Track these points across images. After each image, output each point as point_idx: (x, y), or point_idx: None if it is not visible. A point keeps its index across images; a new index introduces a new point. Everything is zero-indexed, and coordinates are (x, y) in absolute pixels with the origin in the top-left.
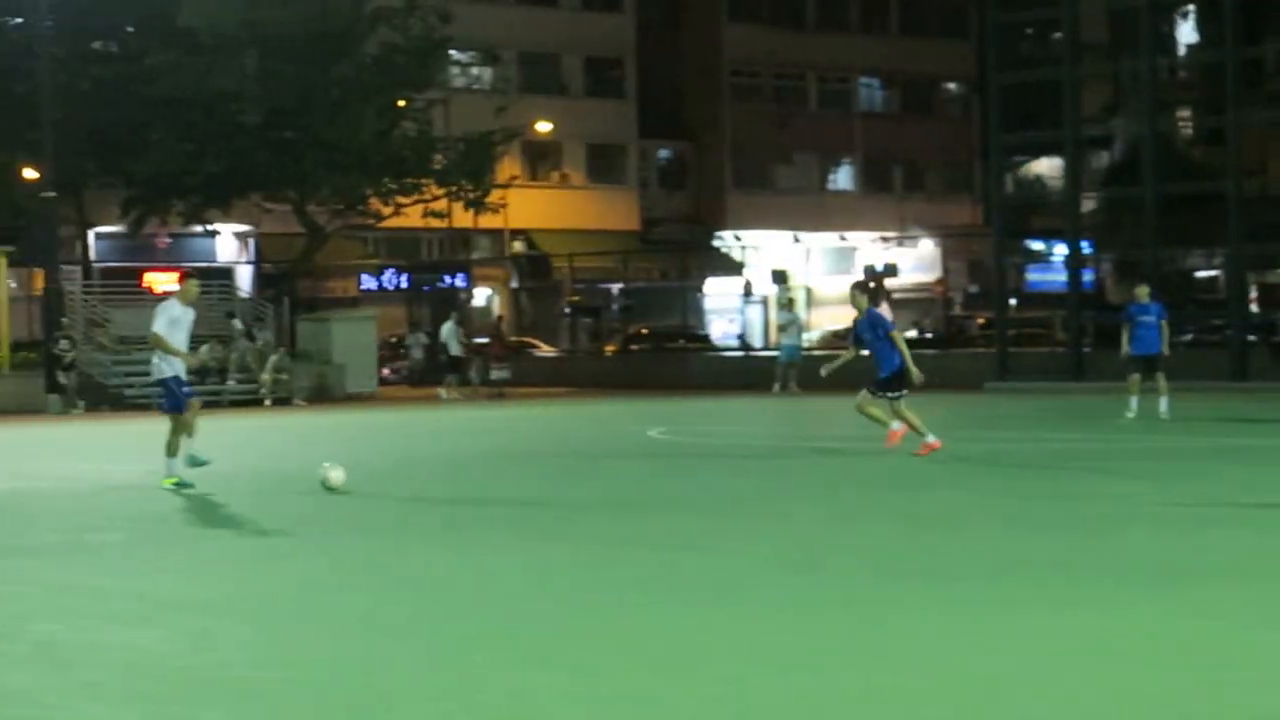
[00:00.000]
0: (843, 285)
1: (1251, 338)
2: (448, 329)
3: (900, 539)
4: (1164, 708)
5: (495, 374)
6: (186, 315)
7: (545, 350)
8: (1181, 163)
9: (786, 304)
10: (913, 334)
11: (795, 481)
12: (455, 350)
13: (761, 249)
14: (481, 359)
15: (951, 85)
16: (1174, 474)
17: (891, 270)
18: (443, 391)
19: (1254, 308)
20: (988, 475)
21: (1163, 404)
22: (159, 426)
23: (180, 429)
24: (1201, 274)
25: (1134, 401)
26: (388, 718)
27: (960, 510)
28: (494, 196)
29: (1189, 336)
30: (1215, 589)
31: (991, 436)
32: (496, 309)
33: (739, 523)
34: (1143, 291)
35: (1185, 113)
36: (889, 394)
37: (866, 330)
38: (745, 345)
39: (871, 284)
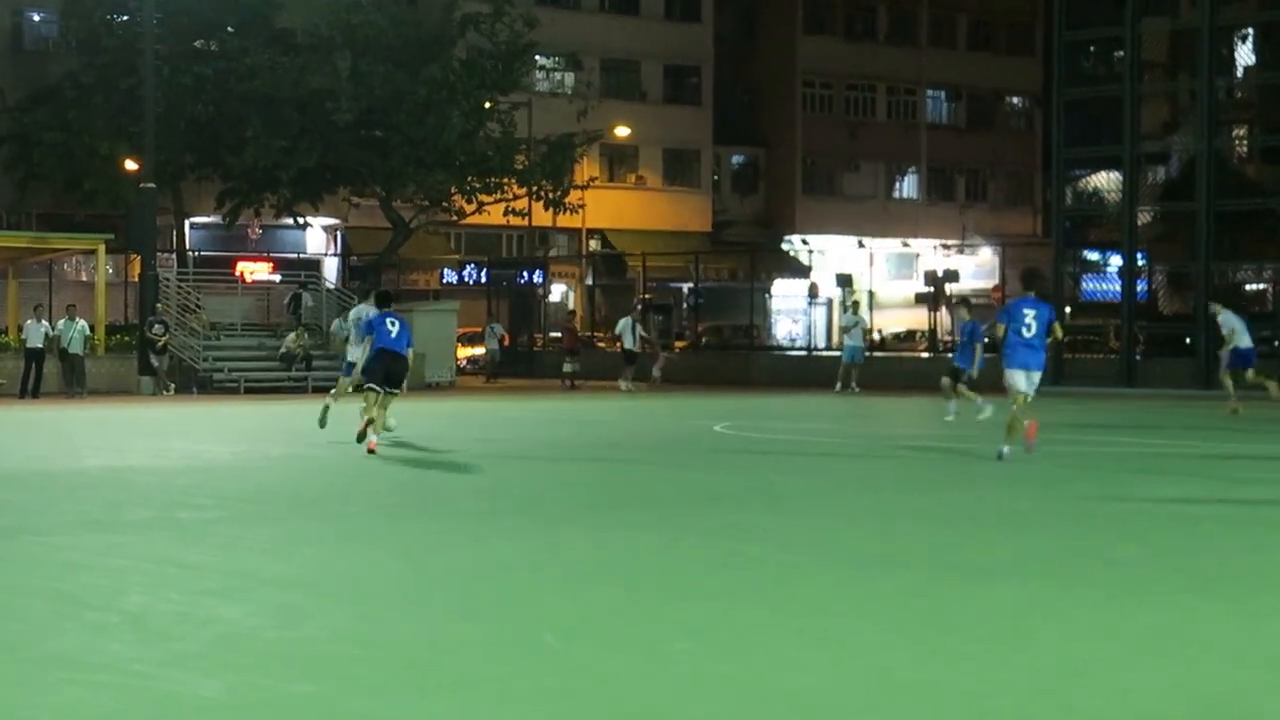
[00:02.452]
0: (905, 289)
1: None
2: (624, 324)
3: (967, 538)
4: None
5: (568, 367)
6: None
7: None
8: (1236, 180)
9: (851, 307)
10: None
11: (866, 478)
12: (630, 344)
13: (828, 253)
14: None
15: (1015, 99)
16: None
17: (952, 276)
18: (622, 384)
19: None
20: (1047, 477)
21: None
22: (244, 409)
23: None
24: (1252, 287)
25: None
26: (456, 697)
27: (1022, 511)
28: (572, 197)
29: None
30: None
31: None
32: (571, 305)
33: (814, 520)
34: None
35: (1241, 131)
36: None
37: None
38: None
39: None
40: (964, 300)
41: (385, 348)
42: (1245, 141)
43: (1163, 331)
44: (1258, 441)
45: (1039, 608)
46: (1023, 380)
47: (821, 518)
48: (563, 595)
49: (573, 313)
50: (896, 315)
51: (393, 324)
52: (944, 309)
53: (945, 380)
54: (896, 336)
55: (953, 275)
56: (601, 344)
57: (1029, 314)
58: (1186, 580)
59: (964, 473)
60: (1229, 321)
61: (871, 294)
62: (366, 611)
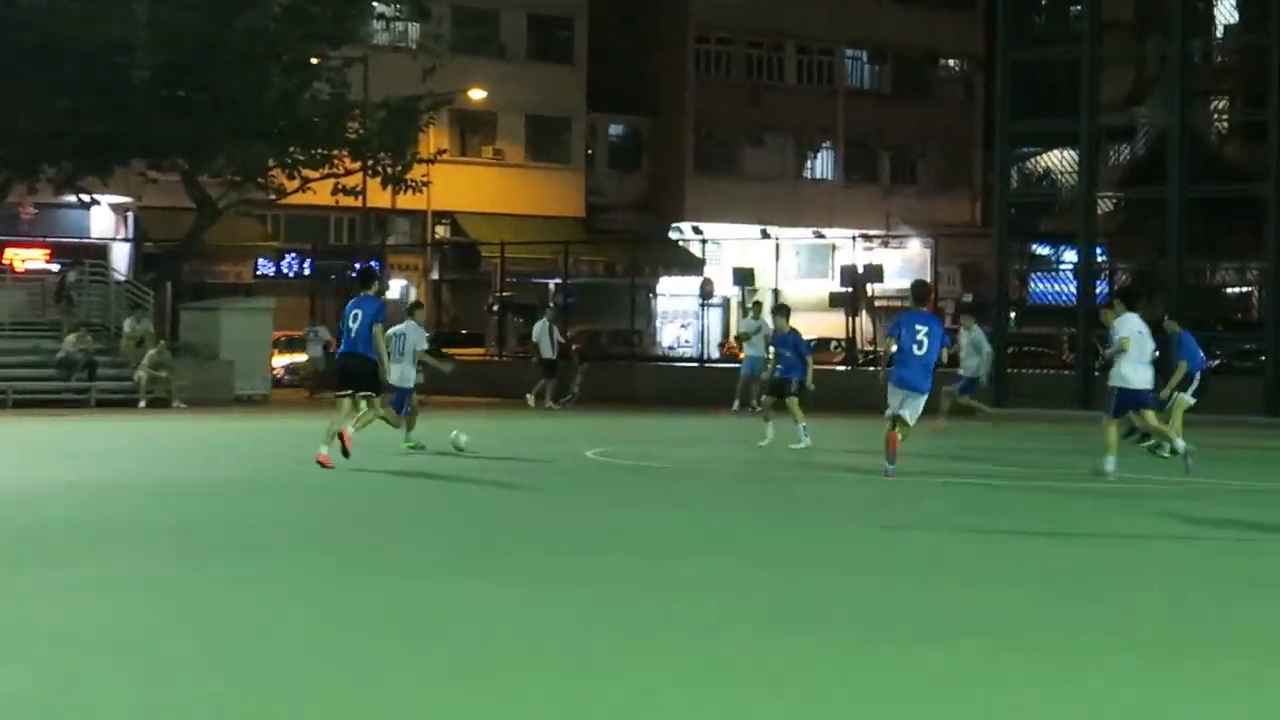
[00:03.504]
0: (818, 289)
1: None
2: (540, 328)
3: (881, 589)
4: None
5: None
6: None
7: (468, 353)
8: (1213, 161)
9: (752, 309)
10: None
11: (766, 512)
12: (548, 352)
13: (724, 244)
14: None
15: (952, 62)
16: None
17: (875, 273)
18: (531, 399)
19: None
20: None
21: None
22: (11, 428)
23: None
24: (1233, 290)
25: None
26: None
27: (958, 556)
28: (416, 172)
29: (1216, 362)
30: None
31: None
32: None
33: (693, 561)
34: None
35: (1220, 103)
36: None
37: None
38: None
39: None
40: (782, 307)
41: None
42: (1225, 116)
43: None
44: (1228, 474)
45: (985, 675)
46: (898, 400)
47: (713, 561)
48: (398, 661)
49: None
50: (808, 320)
51: (355, 315)
52: (865, 313)
53: (767, 399)
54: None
55: (875, 272)
56: (453, 350)
57: (921, 330)
58: (1162, 643)
59: (883, 503)
60: (979, 341)
61: (777, 294)
62: (157, 675)
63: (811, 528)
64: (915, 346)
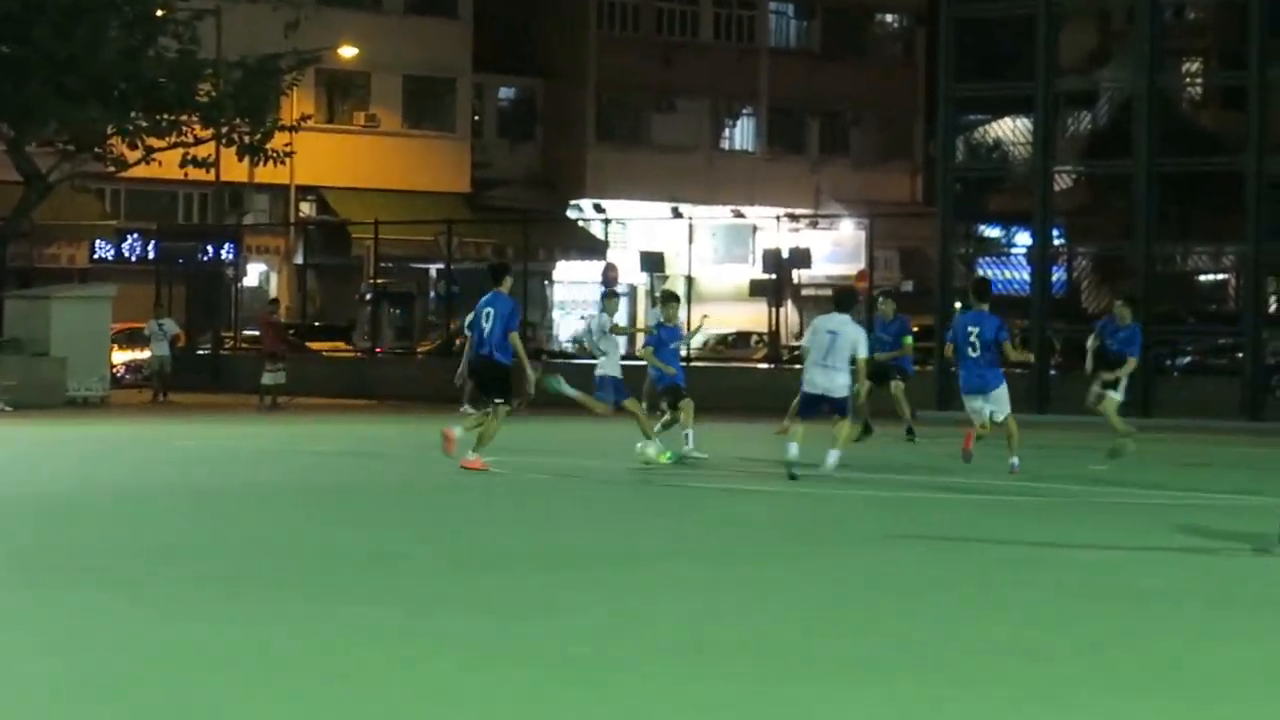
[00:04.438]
0: (738, 276)
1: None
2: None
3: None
4: None
5: (268, 378)
6: None
7: (339, 349)
8: (1186, 131)
9: (662, 299)
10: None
11: (677, 531)
12: None
13: (631, 224)
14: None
15: (890, 18)
16: None
17: (801, 258)
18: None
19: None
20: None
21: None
22: None
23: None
24: (1207, 278)
25: None
26: None
27: (892, 580)
28: (277, 141)
29: (1188, 359)
30: None
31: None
32: (274, 291)
33: (610, 586)
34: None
35: (1194, 66)
36: None
37: None
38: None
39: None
40: (672, 295)
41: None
42: (1199, 79)
43: (1087, 336)
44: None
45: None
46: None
47: (620, 582)
48: (258, 700)
49: (276, 302)
50: (726, 311)
51: (487, 314)
52: (790, 304)
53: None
54: (725, 341)
55: (802, 256)
56: (317, 345)
57: (973, 331)
58: (1121, 679)
59: (811, 520)
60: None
61: (690, 281)
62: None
63: (716, 550)
64: (969, 349)
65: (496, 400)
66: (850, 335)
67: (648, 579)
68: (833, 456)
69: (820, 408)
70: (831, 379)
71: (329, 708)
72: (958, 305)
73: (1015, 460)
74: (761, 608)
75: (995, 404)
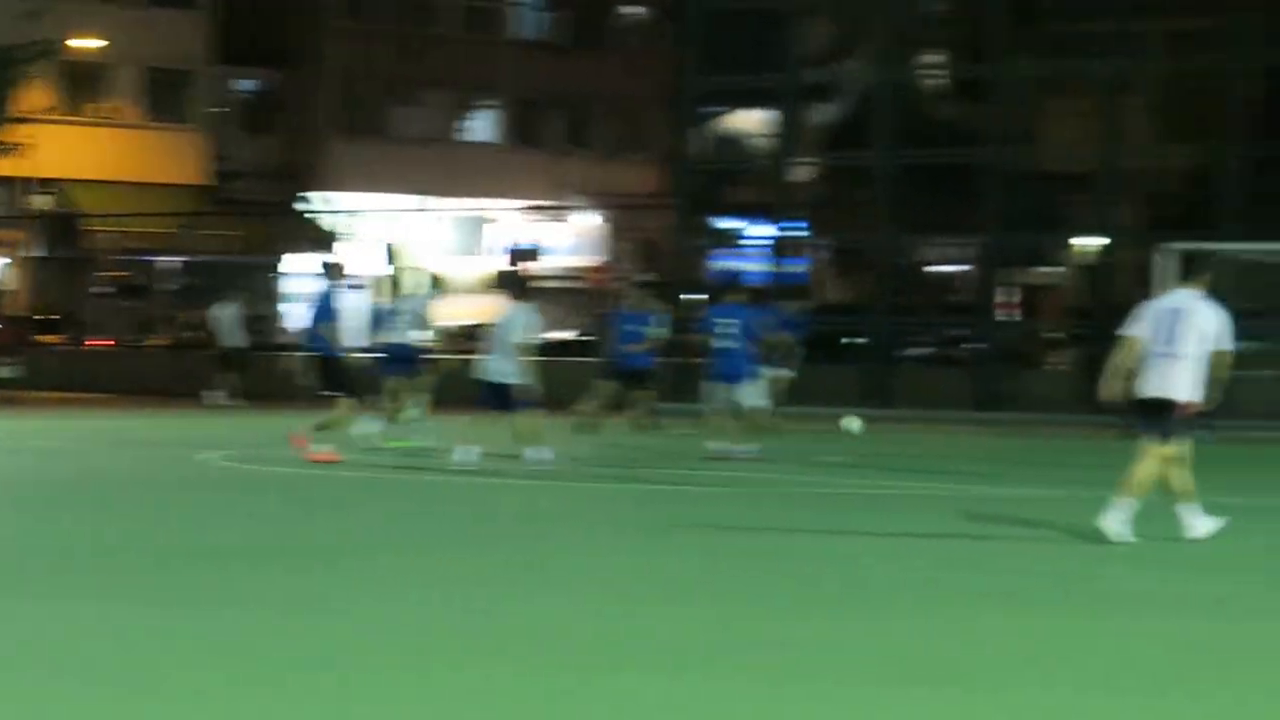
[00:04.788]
0: (480, 267)
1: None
2: (226, 312)
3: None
4: None
5: (2, 371)
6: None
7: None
8: (928, 124)
9: (415, 289)
10: (567, 336)
11: (428, 528)
12: (235, 341)
13: (368, 216)
14: None
15: (635, 10)
16: None
17: (538, 251)
18: (221, 397)
19: (1010, 315)
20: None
21: None
22: None
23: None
24: (951, 269)
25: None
26: None
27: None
28: (13, 134)
29: (929, 350)
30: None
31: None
32: (8, 284)
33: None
34: None
35: (936, 58)
36: None
37: None
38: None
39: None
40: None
41: None
42: (942, 73)
43: (829, 329)
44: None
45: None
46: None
47: (341, 577)
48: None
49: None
50: (465, 304)
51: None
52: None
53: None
54: (466, 333)
55: (540, 249)
56: (44, 338)
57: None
58: (870, 667)
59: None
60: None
61: (435, 275)
62: None
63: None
64: (725, 340)
65: (337, 393)
66: (514, 321)
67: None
68: (530, 454)
69: (498, 397)
70: (501, 366)
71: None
72: (705, 297)
73: (742, 447)
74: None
75: (746, 394)
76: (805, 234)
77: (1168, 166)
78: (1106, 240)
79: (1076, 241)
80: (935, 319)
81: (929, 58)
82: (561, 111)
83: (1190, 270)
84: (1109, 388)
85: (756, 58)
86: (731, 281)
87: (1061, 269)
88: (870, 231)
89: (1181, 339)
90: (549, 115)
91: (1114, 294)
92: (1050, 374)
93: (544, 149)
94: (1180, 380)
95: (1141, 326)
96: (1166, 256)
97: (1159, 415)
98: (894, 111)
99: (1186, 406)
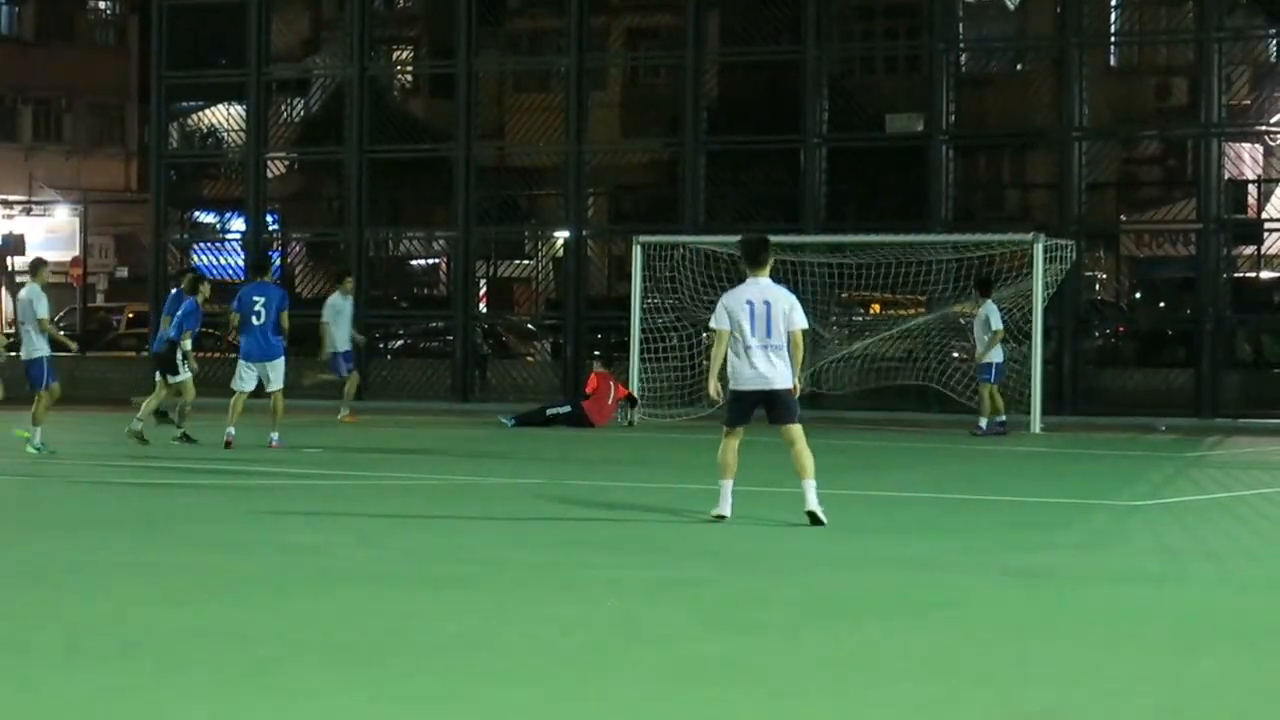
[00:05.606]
0: None
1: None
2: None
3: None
4: None
5: None
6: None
7: None
8: (398, 118)
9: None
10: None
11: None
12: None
13: None
14: None
15: (103, 5)
16: None
17: (15, 244)
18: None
19: (486, 308)
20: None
21: None
22: None
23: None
24: (420, 262)
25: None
26: None
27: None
28: None
29: (402, 342)
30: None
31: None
32: None
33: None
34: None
35: (405, 54)
36: None
37: None
38: None
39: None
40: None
41: None
42: (410, 67)
43: (302, 322)
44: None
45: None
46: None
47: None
48: None
49: None
50: None
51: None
52: (4, 290)
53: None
54: None
55: (16, 243)
56: None
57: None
58: (322, 656)
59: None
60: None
61: None
62: None
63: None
64: (254, 318)
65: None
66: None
67: None
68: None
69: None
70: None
71: None
72: (174, 290)
73: (276, 435)
74: None
75: (274, 373)
76: (275, 229)
77: (634, 161)
78: (578, 233)
79: (547, 234)
80: (413, 312)
81: (399, 53)
82: (30, 105)
83: (758, 258)
84: (713, 385)
85: (225, 52)
86: (259, 263)
87: (533, 261)
88: (342, 225)
89: (776, 329)
90: (18, 109)
91: (586, 285)
92: (528, 365)
93: (14, 143)
94: (784, 367)
95: (729, 319)
96: (637, 248)
97: (776, 405)
98: (365, 106)
99: (792, 391)
